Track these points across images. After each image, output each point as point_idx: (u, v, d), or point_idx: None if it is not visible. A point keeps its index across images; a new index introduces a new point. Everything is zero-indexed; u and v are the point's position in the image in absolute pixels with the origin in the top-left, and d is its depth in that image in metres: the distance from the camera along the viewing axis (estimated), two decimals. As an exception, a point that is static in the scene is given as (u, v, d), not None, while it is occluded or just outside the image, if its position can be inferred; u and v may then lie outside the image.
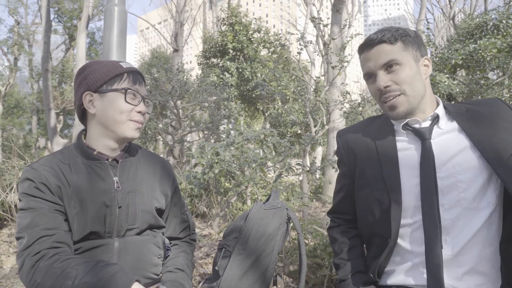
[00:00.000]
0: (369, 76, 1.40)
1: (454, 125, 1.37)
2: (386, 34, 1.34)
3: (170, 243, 1.63)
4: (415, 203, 1.33)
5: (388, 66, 1.33)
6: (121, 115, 1.38)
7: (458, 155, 1.31)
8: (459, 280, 1.27)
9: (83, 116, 1.45)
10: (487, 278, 1.28)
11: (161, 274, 1.51)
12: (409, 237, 1.35)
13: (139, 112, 1.41)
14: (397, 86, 1.33)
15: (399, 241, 1.37)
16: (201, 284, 3.10)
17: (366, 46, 1.37)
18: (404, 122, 1.39)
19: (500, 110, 1.35)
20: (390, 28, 1.36)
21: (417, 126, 1.38)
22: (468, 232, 1.28)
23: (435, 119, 1.36)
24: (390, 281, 1.39)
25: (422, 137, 1.35)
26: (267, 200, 1.60)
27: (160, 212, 1.52)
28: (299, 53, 8.63)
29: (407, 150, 1.39)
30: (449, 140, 1.34)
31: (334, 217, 1.67)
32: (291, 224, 1.59)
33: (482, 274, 1.28)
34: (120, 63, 1.43)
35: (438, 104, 1.42)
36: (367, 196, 1.45)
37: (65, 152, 1.43)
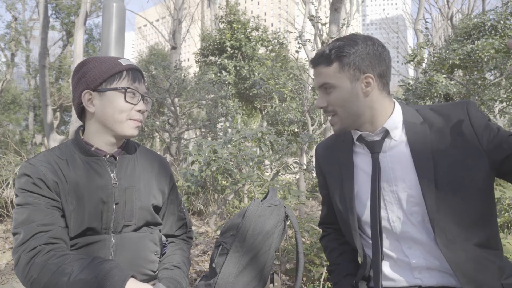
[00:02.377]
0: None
1: (404, 137, 1.37)
2: (324, 55, 1.33)
3: (167, 240, 1.63)
4: (364, 217, 1.39)
5: (324, 88, 1.36)
6: (120, 114, 1.37)
7: (407, 169, 1.33)
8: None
9: (82, 113, 1.44)
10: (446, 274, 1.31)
11: (157, 271, 1.51)
12: (370, 248, 1.40)
13: (139, 111, 1.41)
14: (331, 107, 1.36)
15: (368, 248, 1.42)
16: (197, 281, 3.10)
17: (311, 65, 1.40)
18: (358, 135, 1.42)
19: (458, 124, 1.31)
20: (334, 43, 1.34)
21: (370, 138, 1.39)
22: (419, 243, 1.32)
23: (385, 132, 1.36)
24: (370, 283, 1.44)
25: (372, 150, 1.38)
26: (265, 197, 1.60)
27: (157, 209, 1.52)
28: (297, 51, 8.62)
29: (363, 162, 1.42)
30: (401, 152, 1.35)
31: (324, 227, 1.72)
32: (288, 222, 1.59)
33: (441, 271, 1.31)
34: (119, 60, 1.41)
35: (391, 113, 1.38)
36: (335, 206, 1.51)
37: (63, 147, 1.42)
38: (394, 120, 1.36)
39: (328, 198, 1.58)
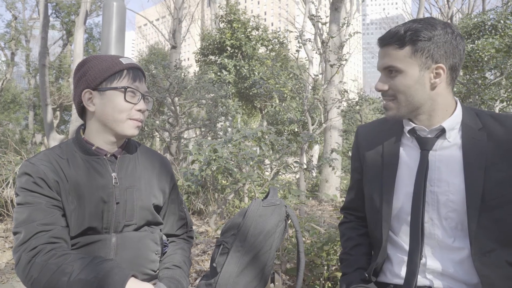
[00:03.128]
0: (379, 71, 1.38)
1: (459, 140, 1.32)
2: (397, 35, 1.25)
3: (168, 240, 1.62)
4: (405, 210, 1.34)
5: (389, 71, 1.29)
6: (120, 114, 1.36)
7: (454, 173, 1.29)
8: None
9: (83, 112, 1.44)
10: (459, 283, 1.28)
11: (158, 271, 1.50)
12: (397, 241, 1.38)
13: (139, 110, 1.40)
14: (392, 92, 1.30)
15: (389, 243, 1.39)
16: (197, 281, 3.10)
17: (379, 43, 1.32)
18: (411, 128, 1.36)
19: None
20: (411, 25, 1.25)
21: (423, 133, 1.34)
22: (447, 254, 1.30)
23: (441, 131, 1.31)
24: (386, 279, 1.41)
25: (422, 146, 1.33)
26: (266, 197, 1.59)
27: (157, 208, 1.51)
28: (297, 51, 8.62)
29: (408, 156, 1.37)
30: (451, 155, 1.30)
31: (346, 213, 1.67)
32: (289, 222, 1.59)
33: (454, 279, 1.29)
34: (120, 59, 1.40)
35: (453, 112, 1.33)
36: (367, 193, 1.46)
37: (64, 147, 1.42)
38: (454, 121, 1.31)
39: (359, 184, 1.54)
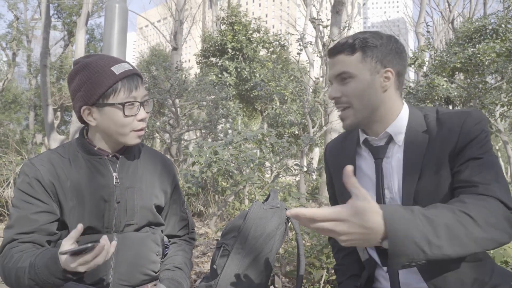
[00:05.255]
0: (330, 83, 1.41)
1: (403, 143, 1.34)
2: (347, 43, 1.30)
3: (169, 241, 1.63)
4: None
5: (341, 78, 1.32)
6: (123, 128, 1.35)
7: (399, 178, 1.31)
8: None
9: (85, 121, 1.41)
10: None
11: (159, 272, 1.51)
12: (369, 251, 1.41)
13: (140, 120, 1.38)
14: (346, 99, 1.32)
15: (371, 253, 1.41)
16: (197, 282, 3.10)
17: (329, 53, 1.36)
18: (364, 138, 1.39)
19: (450, 136, 1.25)
20: (358, 35, 1.32)
21: (375, 142, 1.36)
22: None
23: (388, 137, 1.33)
24: (376, 285, 1.44)
25: (375, 156, 1.35)
26: (266, 199, 1.60)
27: (159, 209, 1.52)
28: (298, 53, 8.63)
29: (367, 166, 1.40)
30: (399, 159, 1.32)
31: None
32: (289, 224, 1.60)
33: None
34: (112, 68, 1.33)
35: (397, 116, 1.34)
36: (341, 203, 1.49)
37: (67, 146, 1.44)
38: (398, 125, 1.33)
39: (334, 198, 1.57)
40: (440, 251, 0.97)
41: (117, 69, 1.33)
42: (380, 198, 1.32)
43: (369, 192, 1.36)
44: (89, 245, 1.11)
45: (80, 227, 1.20)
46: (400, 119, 1.34)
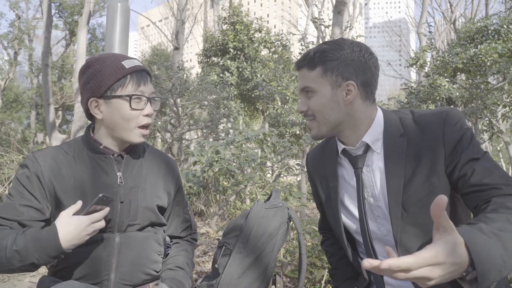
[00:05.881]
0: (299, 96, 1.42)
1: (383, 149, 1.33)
2: (308, 57, 1.30)
3: (171, 241, 1.63)
4: (355, 228, 1.39)
5: (305, 91, 1.33)
6: (128, 122, 1.36)
7: (382, 185, 1.31)
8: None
9: (91, 116, 1.43)
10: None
11: (160, 271, 1.51)
12: (363, 255, 1.42)
13: (146, 115, 1.39)
14: (311, 112, 1.33)
15: (363, 257, 1.42)
16: (198, 282, 3.10)
17: (295, 66, 1.37)
18: (342, 149, 1.38)
19: (431, 138, 1.24)
20: (320, 47, 1.31)
21: (353, 152, 1.36)
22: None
23: (366, 146, 1.33)
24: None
25: (354, 165, 1.35)
26: (268, 199, 1.60)
27: (162, 210, 1.52)
28: (300, 53, 8.61)
29: (347, 175, 1.40)
30: (380, 166, 1.32)
31: (323, 232, 1.72)
32: (291, 224, 1.60)
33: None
34: (123, 62, 1.37)
35: (371, 124, 1.33)
36: (327, 215, 1.51)
37: (72, 143, 1.44)
38: (374, 132, 1.32)
39: (321, 206, 1.57)
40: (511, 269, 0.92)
41: (127, 64, 1.37)
42: (361, 207, 1.33)
43: (353, 199, 1.37)
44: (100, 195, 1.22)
45: (79, 203, 1.24)
46: (374, 127, 1.33)
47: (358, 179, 1.34)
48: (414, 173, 1.25)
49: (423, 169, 1.24)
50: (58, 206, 1.34)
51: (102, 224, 1.26)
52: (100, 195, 1.21)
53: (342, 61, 1.27)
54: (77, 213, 1.23)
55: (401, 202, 1.25)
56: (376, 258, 1.31)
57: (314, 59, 1.29)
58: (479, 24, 9.92)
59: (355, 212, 1.37)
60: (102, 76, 1.34)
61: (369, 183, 1.33)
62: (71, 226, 1.20)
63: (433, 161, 1.23)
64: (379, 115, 1.35)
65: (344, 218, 1.40)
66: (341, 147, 1.39)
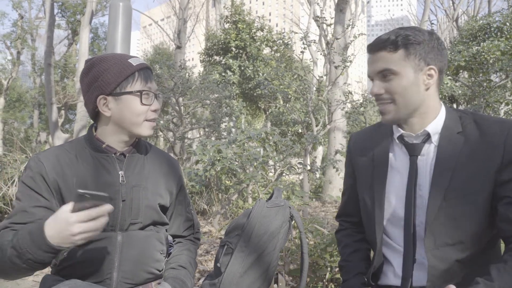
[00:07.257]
0: (370, 78, 1.41)
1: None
2: (389, 40, 1.30)
3: (174, 240, 1.63)
4: (398, 214, 1.38)
5: (383, 75, 1.32)
6: (138, 117, 1.39)
7: (429, 175, 1.33)
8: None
9: (96, 116, 1.44)
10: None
11: (163, 270, 1.51)
12: (392, 244, 1.41)
13: (154, 110, 1.43)
14: (388, 95, 1.32)
15: (386, 246, 1.42)
16: (200, 281, 3.11)
17: (370, 49, 1.36)
18: (399, 134, 1.39)
19: (491, 145, 1.27)
20: (400, 31, 1.30)
21: (411, 139, 1.37)
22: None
23: (426, 135, 1.35)
24: (383, 281, 1.44)
25: (411, 152, 1.36)
26: (270, 198, 1.60)
27: (164, 209, 1.52)
28: (302, 52, 8.62)
29: (398, 161, 1.41)
30: (432, 159, 1.34)
31: (341, 220, 1.70)
32: (293, 223, 1.60)
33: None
34: (129, 60, 1.40)
35: (437, 115, 1.36)
36: (361, 198, 1.50)
37: (74, 142, 1.45)
38: (437, 124, 1.35)
39: (352, 189, 1.57)
40: None
41: (133, 61, 1.40)
42: (410, 195, 1.33)
43: (396, 187, 1.38)
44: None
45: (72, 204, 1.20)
46: (439, 119, 1.35)
47: (412, 167, 1.35)
48: (464, 169, 1.28)
49: (474, 168, 1.27)
50: (63, 205, 1.34)
51: (93, 225, 1.14)
52: (83, 191, 1.13)
53: (424, 46, 1.29)
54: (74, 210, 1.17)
55: (443, 192, 1.27)
56: (414, 246, 1.33)
57: (397, 41, 1.29)
58: (481, 21, 9.89)
59: (393, 199, 1.38)
60: (111, 74, 1.36)
61: (420, 173, 1.35)
62: (56, 222, 1.15)
63: (486, 165, 1.26)
64: (443, 108, 1.38)
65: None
66: (399, 132, 1.40)
